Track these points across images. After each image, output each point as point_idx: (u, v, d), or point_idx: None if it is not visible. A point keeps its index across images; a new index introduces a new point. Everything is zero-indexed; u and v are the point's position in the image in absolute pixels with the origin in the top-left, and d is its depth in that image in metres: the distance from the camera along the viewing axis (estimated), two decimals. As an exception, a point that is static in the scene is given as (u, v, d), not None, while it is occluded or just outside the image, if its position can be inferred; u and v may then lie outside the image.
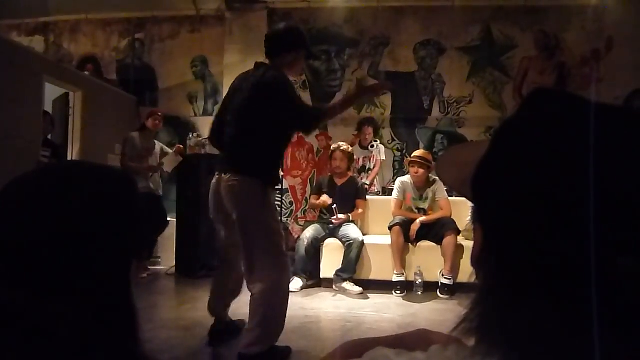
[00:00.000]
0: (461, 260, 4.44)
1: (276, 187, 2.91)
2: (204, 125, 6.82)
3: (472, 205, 0.52)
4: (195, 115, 7.17)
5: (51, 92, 5.67)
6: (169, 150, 5.74)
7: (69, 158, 5.69)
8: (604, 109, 0.45)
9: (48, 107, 5.68)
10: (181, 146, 5.75)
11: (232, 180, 2.60)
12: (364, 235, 4.79)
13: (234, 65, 6.92)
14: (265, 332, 2.59)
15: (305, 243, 4.70)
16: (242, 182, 2.58)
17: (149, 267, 5.39)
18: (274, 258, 2.62)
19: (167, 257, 5.51)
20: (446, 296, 4.32)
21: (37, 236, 0.63)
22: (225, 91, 7.08)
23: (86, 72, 6.64)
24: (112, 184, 0.73)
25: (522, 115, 0.50)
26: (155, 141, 5.66)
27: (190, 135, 6.05)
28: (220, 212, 2.76)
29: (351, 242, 4.58)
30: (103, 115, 6.19)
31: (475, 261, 0.52)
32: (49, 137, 5.43)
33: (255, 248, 2.60)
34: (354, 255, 4.56)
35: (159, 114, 5.56)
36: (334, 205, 4.84)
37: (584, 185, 0.40)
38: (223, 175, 2.67)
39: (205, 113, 7.17)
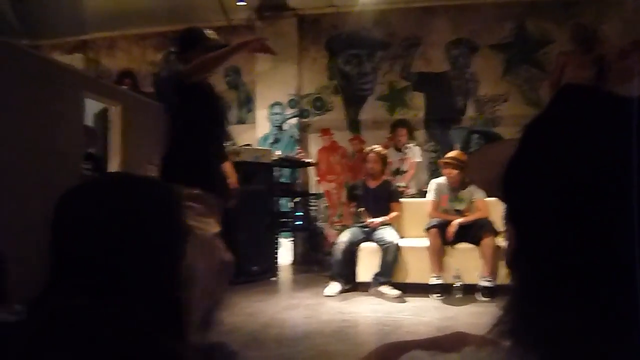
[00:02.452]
0: (500, 262, 4.35)
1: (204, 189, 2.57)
2: (238, 134, 6.92)
3: (504, 205, 0.52)
4: (229, 123, 7.28)
5: (91, 107, 5.86)
6: None
7: (109, 170, 5.87)
8: (635, 103, 0.44)
9: (89, 121, 5.87)
10: None
11: None
12: (400, 238, 4.75)
13: (265, 73, 7.03)
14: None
15: (342, 247, 4.70)
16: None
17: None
18: None
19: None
20: (486, 299, 4.23)
21: (96, 243, 0.68)
22: (257, 100, 7.20)
23: (124, 87, 6.85)
24: (163, 196, 0.80)
25: (551, 112, 0.49)
26: None
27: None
28: None
29: (387, 245, 4.55)
30: (141, 127, 6.36)
31: (510, 262, 0.52)
32: (91, 150, 5.61)
33: None
34: (390, 259, 4.53)
35: None
36: (361, 209, 4.85)
37: (617, 182, 0.39)
38: None
39: (239, 121, 7.28)
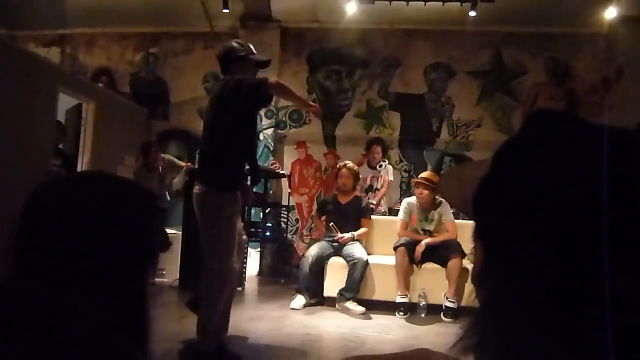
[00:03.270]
0: (466, 284, 4.40)
1: (233, 191, 2.96)
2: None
3: (474, 223, 0.53)
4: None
5: (65, 102, 5.75)
6: (179, 162, 5.78)
7: (78, 168, 5.75)
8: (606, 130, 0.46)
9: (61, 117, 5.75)
10: (190, 164, 5.78)
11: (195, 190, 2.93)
12: (368, 254, 4.77)
13: (246, 81, 7.01)
14: (204, 333, 2.87)
15: (310, 261, 4.69)
16: (198, 192, 2.90)
17: (155, 279, 5.37)
18: (217, 265, 2.86)
19: (171, 269, 5.50)
20: (450, 319, 4.27)
21: (64, 236, 0.68)
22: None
23: (100, 84, 6.75)
24: (138, 198, 0.79)
25: (524, 135, 0.51)
26: (164, 155, 5.71)
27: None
28: None
29: (355, 261, 4.56)
30: (114, 126, 6.26)
31: (476, 279, 0.53)
32: (61, 146, 5.49)
33: (205, 254, 2.90)
34: (358, 275, 4.54)
35: (152, 148, 5.58)
36: (331, 224, 4.86)
37: (585, 205, 0.41)
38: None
39: (215, 128, 7.23)
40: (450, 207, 4.71)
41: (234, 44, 3.03)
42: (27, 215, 0.70)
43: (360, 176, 5.43)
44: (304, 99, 3.21)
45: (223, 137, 2.85)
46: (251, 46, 3.08)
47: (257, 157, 6.67)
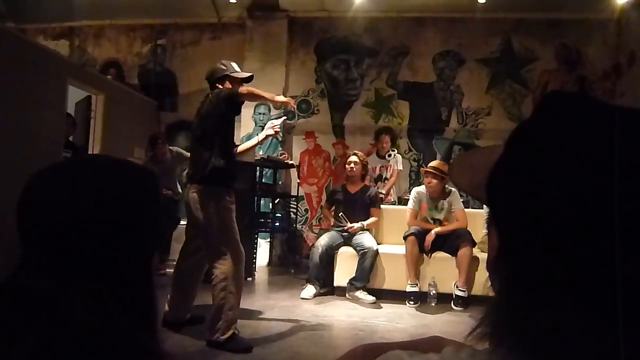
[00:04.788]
0: (476, 273, 4.40)
1: (229, 188, 3.19)
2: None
3: (487, 209, 0.53)
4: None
5: (74, 94, 5.78)
6: (187, 154, 5.79)
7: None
8: (621, 111, 0.46)
9: (71, 109, 5.78)
10: None
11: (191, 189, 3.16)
12: (378, 244, 4.77)
13: (254, 72, 6.91)
14: (225, 318, 2.96)
15: (320, 250, 4.70)
16: (196, 192, 3.12)
17: (167, 270, 5.40)
18: (232, 248, 3.04)
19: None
20: (460, 308, 4.28)
21: (63, 225, 0.66)
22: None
23: (109, 76, 6.77)
24: (137, 178, 0.76)
25: (537, 118, 0.50)
26: (171, 148, 5.72)
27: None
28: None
29: (365, 250, 4.56)
30: (124, 118, 6.29)
31: (491, 265, 0.52)
32: (71, 138, 5.53)
33: (214, 243, 3.06)
34: (367, 264, 4.55)
35: (160, 140, 5.58)
36: (340, 214, 4.86)
37: (601, 187, 0.41)
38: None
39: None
40: (461, 192, 4.71)
41: (218, 65, 3.34)
42: (25, 204, 0.68)
43: (370, 166, 5.42)
44: (271, 97, 3.38)
45: (209, 144, 3.10)
46: (234, 64, 3.39)
47: (266, 148, 6.78)
